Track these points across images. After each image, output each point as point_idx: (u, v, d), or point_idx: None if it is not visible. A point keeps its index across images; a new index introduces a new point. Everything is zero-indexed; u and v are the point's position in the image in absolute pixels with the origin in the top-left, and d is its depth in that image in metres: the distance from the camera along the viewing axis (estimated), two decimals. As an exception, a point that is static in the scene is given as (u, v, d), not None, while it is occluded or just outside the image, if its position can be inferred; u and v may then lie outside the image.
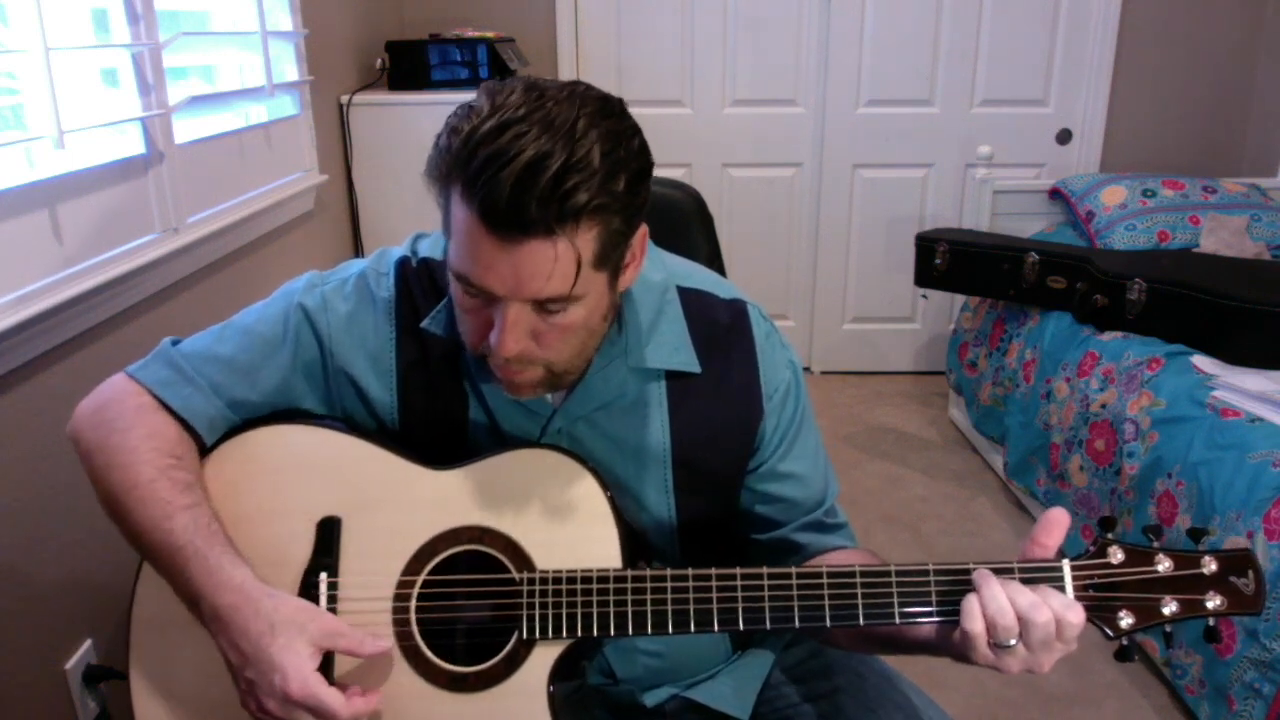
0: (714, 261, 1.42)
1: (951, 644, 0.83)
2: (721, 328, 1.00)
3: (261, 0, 2.09)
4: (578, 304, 0.83)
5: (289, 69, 2.32)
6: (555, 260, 0.78)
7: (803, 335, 3.73)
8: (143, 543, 0.91)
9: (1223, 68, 3.41)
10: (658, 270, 1.00)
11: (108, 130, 1.59)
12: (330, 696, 0.83)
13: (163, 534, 0.88)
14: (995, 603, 0.79)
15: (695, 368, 0.98)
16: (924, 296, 3.29)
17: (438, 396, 0.98)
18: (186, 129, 1.83)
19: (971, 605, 0.80)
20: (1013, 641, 0.79)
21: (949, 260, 2.82)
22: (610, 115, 0.80)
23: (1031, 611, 0.78)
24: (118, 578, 1.52)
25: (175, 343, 1.00)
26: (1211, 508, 1.80)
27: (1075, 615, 0.79)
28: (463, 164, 0.77)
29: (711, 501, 1.02)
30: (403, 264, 1.01)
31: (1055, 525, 0.84)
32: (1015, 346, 2.78)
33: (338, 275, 1.02)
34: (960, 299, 3.26)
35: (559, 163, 0.75)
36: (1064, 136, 3.48)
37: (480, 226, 0.77)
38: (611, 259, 0.84)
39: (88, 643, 1.49)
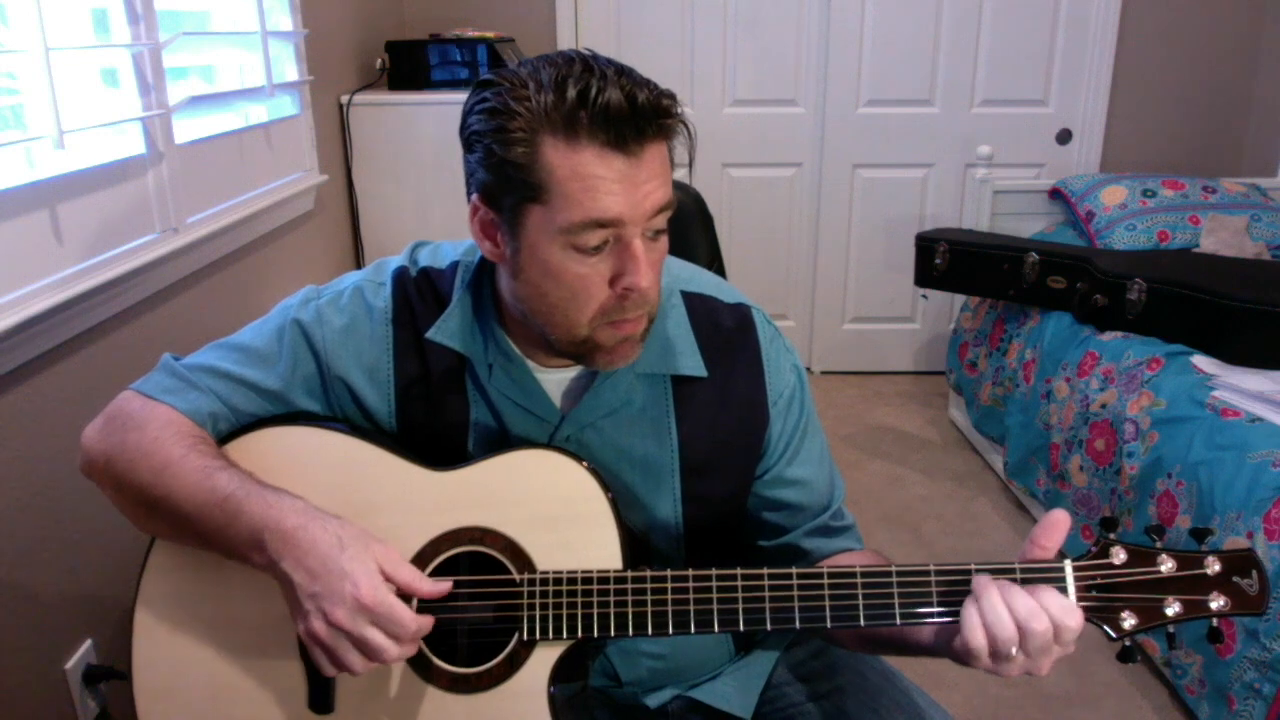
0: (714, 262, 1.42)
1: (952, 648, 0.83)
2: (726, 332, 1.00)
3: (261, 0, 2.09)
4: (666, 229, 0.88)
5: (289, 69, 2.32)
6: (664, 159, 0.85)
7: (803, 335, 3.73)
8: (186, 511, 0.88)
9: (1223, 68, 3.41)
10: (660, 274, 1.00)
11: (108, 130, 1.58)
12: (399, 604, 0.82)
13: (207, 492, 0.87)
14: (993, 613, 0.79)
15: (702, 372, 0.98)
16: (924, 296, 3.29)
17: (439, 406, 0.98)
18: (186, 129, 1.82)
19: (971, 618, 0.80)
20: (1013, 650, 0.79)
21: (949, 260, 2.82)
22: None
23: (1030, 620, 0.78)
24: (118, 578, 1.52)
25: (176, 359, 1.00)
26: (1211, 508, 1.80)
27: (1074, 620, 0.79)
28: (554, 110, 0.81)
29: (719, 508, 1.01)
30: (400, 274, 1.00)
31: (1055, 527, 0.83)
32: (1015, 346, 2.78)
33: (333, 288, 1.01)
34: (960, 299, 3.26)
35: (638, 73, 0.83)
36: (1064, 136, 3.48)
37: (604, 151, 0.81)
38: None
39: (88, 643, 1.49)
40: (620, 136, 0.80)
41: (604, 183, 0.81)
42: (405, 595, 0.85)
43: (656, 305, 0.91)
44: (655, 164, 0.84)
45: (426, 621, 0.84)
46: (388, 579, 0.83)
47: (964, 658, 0.81)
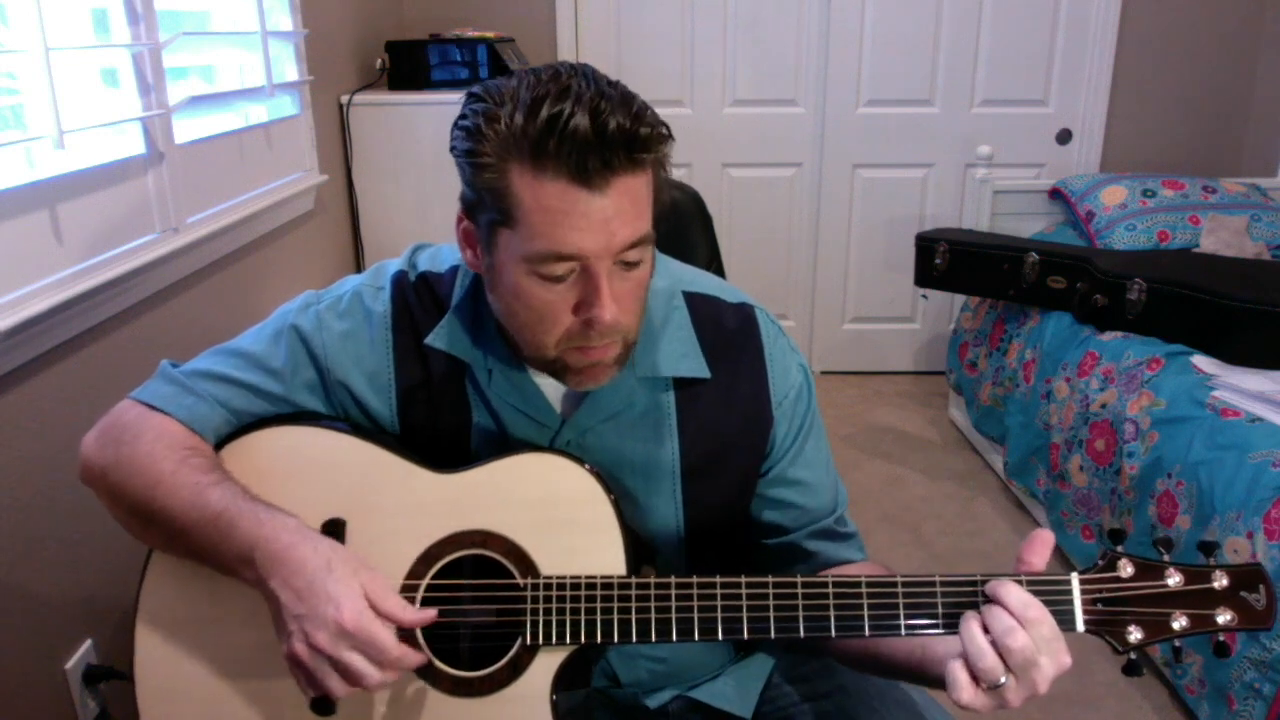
0: (713, 261, 1.42)
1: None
2: (729, 333, 1.00)
3: (261, 0, 2.09)
4: (645, 260, 0.86)
5: (289, 69, 2.32)
6: (638, 194, 0.81)
7: (803, 335, 3.72)
8: (180, 526, 0.88)
9: (1223, 68, 3.41)
10: (663, 276, 0.99)
11: (108, 130, 1.58)
12: (382, 630, 0.81)
13: (199, 509, 0.87)
14: (974, 644, 0.78)
15: (705, 373, 0.98)
16: (924, 296, 3.29)
17: (440, 411, 0.98)
18: (186, 129, 1.82)
19: (959, 675, 0.78)
20: (1003, 679, 0.77)
21: (949, 260, 2.82)
22: None
23: (1006, 637, 0.77)
24: (118, 577, 1.52)
25: (174, 365, 1.00)
26: (1211, 508, 1.80)
27: (1034, 611, 0.78)
28: (523, 136, 0.78)
29: (721, 512, 1.01)
30: (400, 278, 1.00)
31: (1042, 544, 0.83)
32: (1015, 346, 2.78)
33: (333, 293, 1.01)
34: (960, 299, 3.26)
35: (618, 94, 0.79)
36: (1064, 136, 3.48)
37: (570, 185, 0.78)
38: (653, 211, 0.86)
39: (88, 643, 1.48)
40: (584, 169, 0.78)
41: (568, 218, 0.79)
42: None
43: (634, 331, 0.90)
44: (624, 200, 0.80)
45: (410, 653, 0.84)
46: (372, 606, 0.83)
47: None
